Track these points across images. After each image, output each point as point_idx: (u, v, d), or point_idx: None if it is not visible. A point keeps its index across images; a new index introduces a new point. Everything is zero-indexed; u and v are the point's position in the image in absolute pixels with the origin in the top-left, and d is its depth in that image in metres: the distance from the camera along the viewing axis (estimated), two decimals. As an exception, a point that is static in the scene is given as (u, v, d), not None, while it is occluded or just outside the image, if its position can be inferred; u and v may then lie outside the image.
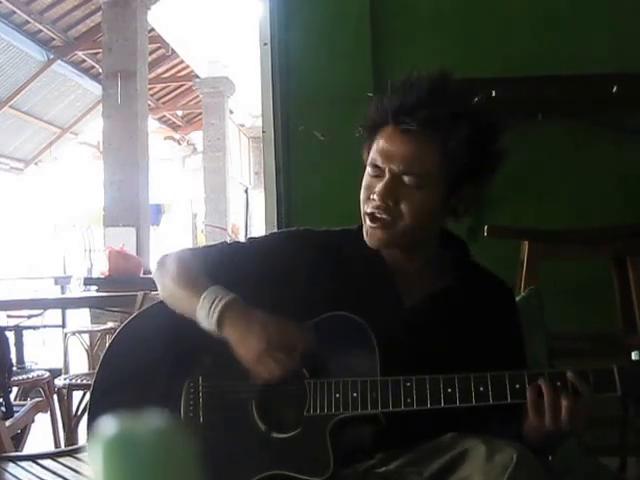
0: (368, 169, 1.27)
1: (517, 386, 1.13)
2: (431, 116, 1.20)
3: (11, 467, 1.79)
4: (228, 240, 1.46)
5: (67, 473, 1.73)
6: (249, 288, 1.30)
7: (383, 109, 1.26)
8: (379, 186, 1.23)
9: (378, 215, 1.24)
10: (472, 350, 1.26)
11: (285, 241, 1.38)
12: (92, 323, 5.63)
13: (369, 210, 1.25)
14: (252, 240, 1.42)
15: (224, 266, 1.33)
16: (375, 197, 1.23)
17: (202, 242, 12.34)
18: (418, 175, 1.22)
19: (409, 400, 1.14)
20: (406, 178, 1.22)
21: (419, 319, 1.28)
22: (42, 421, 3.23)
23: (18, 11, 8.87)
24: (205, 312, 1.21)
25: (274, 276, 1.31)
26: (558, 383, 1.12)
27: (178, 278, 1.30)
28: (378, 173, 1.25)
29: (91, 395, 1.35)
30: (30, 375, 3.54)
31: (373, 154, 1.26)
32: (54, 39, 9.99)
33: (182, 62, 11.65)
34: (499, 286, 1.37)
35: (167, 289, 1.32)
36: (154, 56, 10.56)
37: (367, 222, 1.26)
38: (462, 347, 1.26)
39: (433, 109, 1.21)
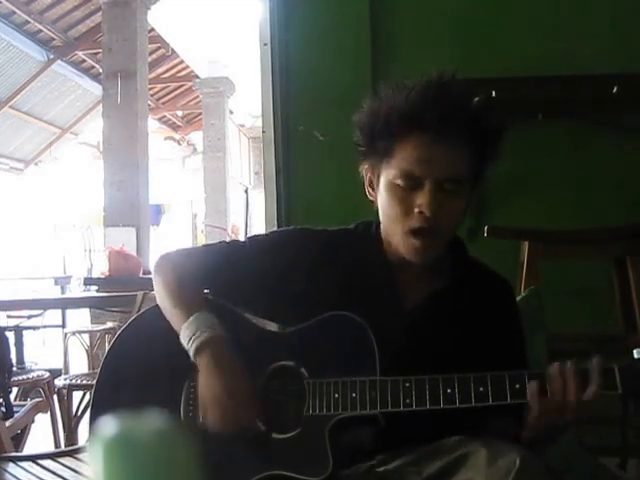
0: (399, 181, 1.20)
1: (517, 386, 1.12)
2: (464, 118, 1.19)
3: (11, 467, 1.79)
4: (227, 239, 1.46)
5: (67, 473, 1.73)
6: (248, 287, 1.31)
7: (404, 116, 1.20)
8: (423, 198, 1.18)
9: (424, 227, 1.20)
10: (474, 349, 1.25)
11: (285, 240, 1.37)
12: (92, 323, 5.63)
13: (416, 225, 1.20)
14: (251, 239, 1.42)
15: (223, 266, 1.33)
16: (425, 210, 1.18)
17: (202, 242, 12.34)
18: (458, 181, 1.21)
19: (408, 400, 1.14)
20: (447, 185, 1.20)
21: (420, 319, 1.28)
22: (42, 421, 3.23)
23: (18, 11, 8.87)
24: (187, 337, 1.23)
25: (274, 275, 1.30)
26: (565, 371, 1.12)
27: (170, 290, 1.31)
28: (413, 184, 1.20)
29: (93, 396, 1.35)
30: (30, 375, 3.54)
31: (407, 165, 1.19)
32: (54, 39, 9.99)
33: (182, 62, 11.66)
34: (498, 283, 1.37)
35: (161, 297, 1.34)
36: (154, 56, 10.56)
37: (410, 238, 1.22)
38: (464, 346, 1.25)
39: (465, 111, 1.20)
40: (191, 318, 1.23)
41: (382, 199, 1.25)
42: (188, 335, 1.23)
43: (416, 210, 1.20)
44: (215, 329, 1.23)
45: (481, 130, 1.22)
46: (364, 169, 1.30)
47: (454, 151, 1.20)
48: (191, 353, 1.22)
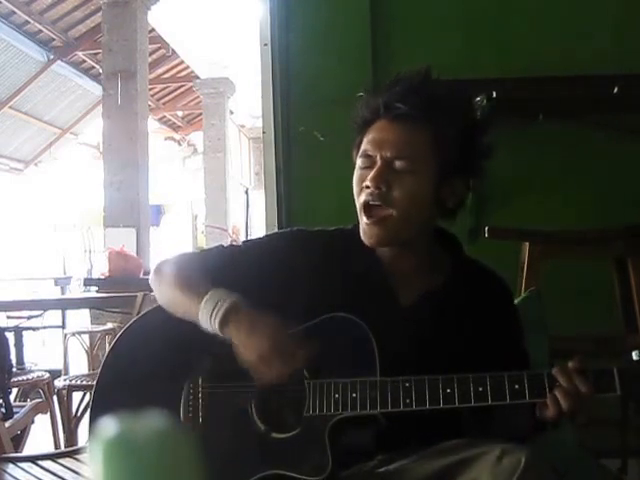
0: (358, 162, 1.29)
1: (516, 387, 1.12)
2: (421, 101, 1.24)
3: (11, 468, 1.79)
4: (224, 244, 1.46)
5: (67, 474, 1.74)
6: (247, 291, 1.30)
7: (374, 104, 1.28)
8: (370, 173, 1.24)
9: (372, 202, 1.24)
10: (473, 345, 1.26)
11: (281, 243, 1.38)
12: (92, 324, 5.62)
13: (363, 199, 1.26)
14: (248, 243, 1.42)
15: (222, 270, 1.33)
16: (368, 183, 1.24)
17: (202, 243, 12.35)
18: (409, 159, 1.23)
19: (408, 400, 1.14)
20: (397, 163, 1.23)
21: (417, 317, 1.28)
22: (42, 422, 3.22)
23: (18, 11, 8.86)
24: (207, 314, 1.21)
25: (272, 278, 1.31)
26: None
27: (177, 282, 1.30)
28: (369, 163, 1.26)
29: (93, 397, 1.35)
30: (30, 376, 3.54)
31: (364, 146, 1.28)
32: (54, 39, 9.99)
33: (182, 63, 11.65)
34: (493, 279, 1.37)
35: (166, 294, 1.33)
36: (154, 56, 10.55)
37: (363, 217, 1.26)
38: (462, 342, 1.26)
39: (423, 95, 1.25)
40: (205, 297, 1.22)
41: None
42: (209, 308, 1.21)
43: (364, 184, 1.25)
44: (233, 296, 1.22)
45: (443, 117, 1.24)
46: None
47: (407, 132, 1.24)
48: (216, 326, 1.20)
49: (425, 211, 1.28)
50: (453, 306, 1.29)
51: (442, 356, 1.23)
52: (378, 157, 1.25)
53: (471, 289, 1.32)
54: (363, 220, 1.27)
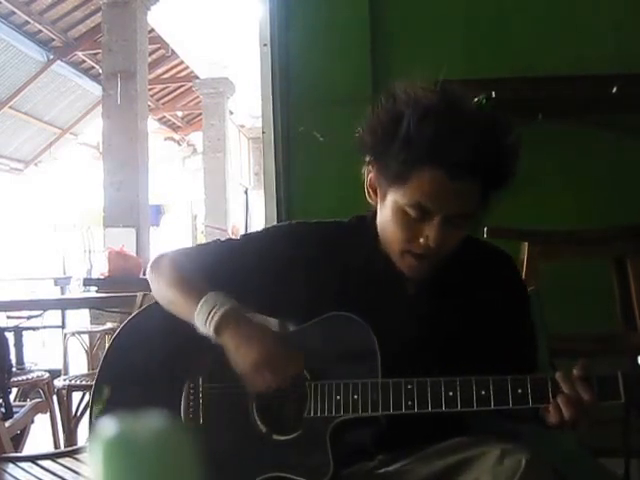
0: (408, 209, 1.18)
1: (519, 391, 1.11)
2: (483, 167, 1.16)
3: (11, 468, 1.79)
4: (222, 238, 1.45)
5: (67, 474, 1.73)
6: (246, 286, 1.30)
7: (424, 147, 1.15)
8: (432, 232, 1.17)
9: (426, 255, 1.21)
10: (481, 326, 1.25)
11: (280, 236, 1.36)
12: (92, 324, 5.63)
13: (418, 252, 1.21)
14: (246, 237, 1.41)
15: (219, 265, 1.32)
16: (431, 243, 1.18)
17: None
18: (466, 217, 1.20)
19: (410, 403, 1.14)
20: (455, 220, 1.19)
21: (425, 303, 1.27)
22: (42, 422, 3.22)
23: (18, 11, 8.86)
24: (203, 318, 1.20)
25: (271, 273, 1.29)
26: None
27: (174, 281, 1.29)
28: (422, 215, 1.18)
29: (92, 396, 1.35)
30: (30, 376, 3.54)
31: (418, 197, 1.17)
32: (54, 39, 9.98)
33: (182, 63, 11.64)
34: (498, 255, 1.35)
35: (162, 292, 1.32)
36: (154, 57, 10.55)
37: (409, 258, 1.22)
38: (470, 327, 1.25)
39: (487, 156, 1.16)
40: (202, 301, 1.21)
41: (385, 214, 1.23)
42: (205, 312, 1.20)
43: (421, 240, 1.19)
44: (230, 302, 1.21)
45: (501, 171, 1.19)
46: (367, 170, 1.27)
47: (469, 189, 1.17)
48: (211, 332, 1.19)
49: None
50: (457, 286, 1.28)
51: (452, 341, 1.23)
52: (438, 216, 1.17)
53: (476, 268, 1.30)
54: (410, 261, 1.23)
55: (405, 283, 1.28)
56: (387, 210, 1.22)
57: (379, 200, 1.26)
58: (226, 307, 1.20)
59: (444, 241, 1.19)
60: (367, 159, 1.27)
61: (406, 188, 1.18)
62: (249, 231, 8.02)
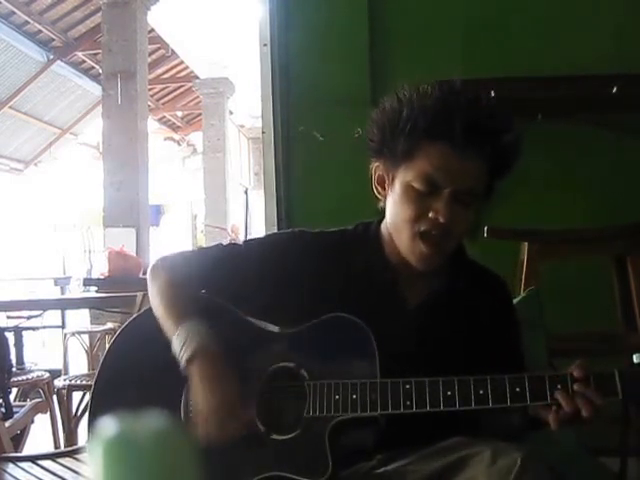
0: (417, 185, 1.21)
1: (517, 389, 1.12)
2: (491, 137, 1.20)
3: (11, 468, 1.79)
4: (224, 242, 1.45)
5: (67, 474, 1.73)
6: (248, 291, 1.30)
7: (433, 121, 1.19)
8: (441, 205, 1.19)
9: (434, 232, 1.22)
10: (475, 345, 1.27)
11: (282, 244, 1.36)
12: (92, 324, 5.62)
13: (424, 228, 1.22)
14: (248, 242, 1.41)
15: (221, 270, 1.33)
16: (441, 217, 1.19)
17: (202, 243, 12.34)
18: (475, 194, 1.23)
19: (408, 402, 1.14)
20: (463, 197, 1.21)
21: (424, 317, 1.29)
22: (42, 422, 3.22)
23: (18, 11, 8.86)
24: (178, 346, 1.22)
25: (273, 279, 1.30)
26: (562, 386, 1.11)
27: (164, 297, 1.30)
28: (431, 189, 1.20)
29: (92, 396, 1.35)
30: (30, 376, 3.54)
31: (428, 169, 1.20)
32: (54, 40, 9.98)
33: (182, 63, 11.65)
34: (494, 280, 1.39)
35: (154, 301, 1.33)
36: (154, 57, 10.56)
37: (420, 244, 1.23)
38: (466, 342, 1.27)
39: (492, 130, 1.20)
40: (179, 329, 1.23)
41: (395, 199, 1.25)
42: (178, 346, 1.22)
43: (431, 214, 1.21)
44: (203, 338, 1.21)
45: (504, 148, 1.22)
46: (374, 166, 1.30)
47: (476, 165, 1.21)
48: (184, 360, 1.21)
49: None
50: (457, 306, 1.30)
51: (446, 353, 1.25)
52: (447, 190, 1.20)
53: (473, 290, 1.33)
54: (420, 247, 1.23)
55: (406, 298, 1.30)
56: (396, 195, 1.25)
57: (388, 192, 1.27)
58: (195, 345, 1.20)
59: (452, 218, 1.20)
60: (374, 155, 1.29)
61: (414, 164, 1.21)
62: (249, 231, 8.03)
